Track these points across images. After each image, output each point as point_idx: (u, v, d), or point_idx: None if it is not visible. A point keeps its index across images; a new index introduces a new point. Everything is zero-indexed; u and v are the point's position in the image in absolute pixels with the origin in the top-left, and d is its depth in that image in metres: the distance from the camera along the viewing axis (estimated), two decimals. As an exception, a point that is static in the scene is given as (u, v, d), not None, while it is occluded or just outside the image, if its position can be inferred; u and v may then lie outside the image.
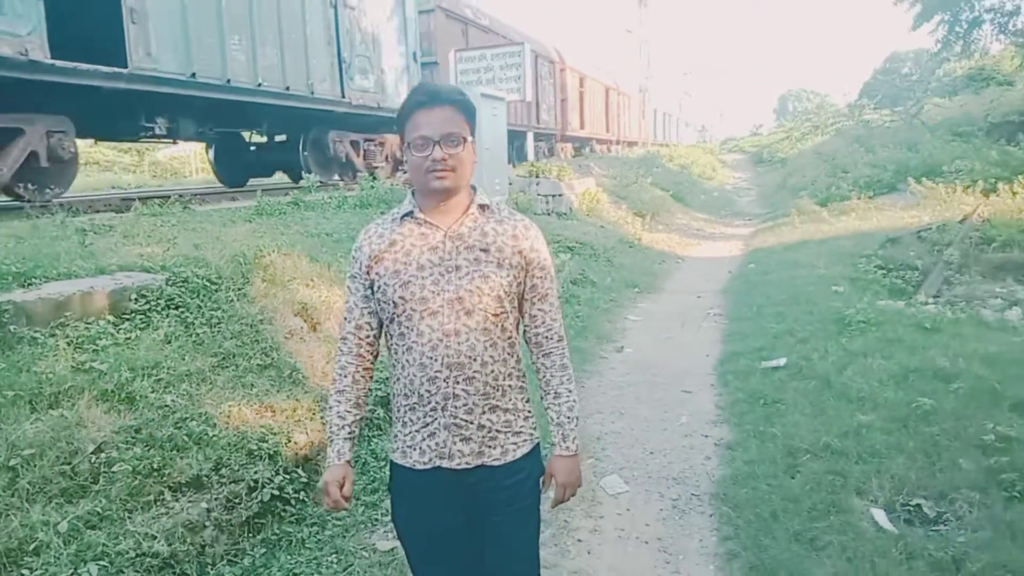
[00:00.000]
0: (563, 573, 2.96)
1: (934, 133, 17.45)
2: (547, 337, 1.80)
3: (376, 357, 1.84)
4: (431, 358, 1.67)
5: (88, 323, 3.40)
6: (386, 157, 11.89)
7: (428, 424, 1.72)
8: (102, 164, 22.53)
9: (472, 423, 1.71)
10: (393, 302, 1.69)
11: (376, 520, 3.22)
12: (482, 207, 1.74)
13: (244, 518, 2.81)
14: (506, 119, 10.86)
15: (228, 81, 8.25)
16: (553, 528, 3.29)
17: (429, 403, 1.70)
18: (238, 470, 2.93)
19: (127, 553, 2.35)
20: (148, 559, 2.38)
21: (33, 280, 3.54)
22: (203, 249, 4.77)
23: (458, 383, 1.68)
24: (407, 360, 1.70)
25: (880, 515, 3.20)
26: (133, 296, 3.72)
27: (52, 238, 4.55)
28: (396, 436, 1.80)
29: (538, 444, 1.83)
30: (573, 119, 22.60)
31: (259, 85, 8.73)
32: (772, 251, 11.11)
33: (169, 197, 7.31)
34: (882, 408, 4.14)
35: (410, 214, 1.72)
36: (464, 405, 1.69)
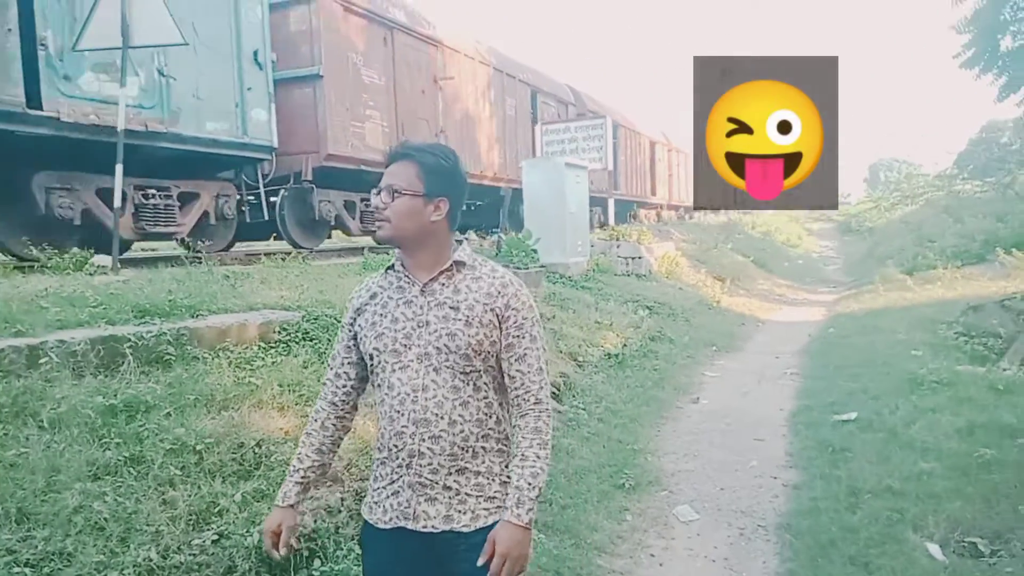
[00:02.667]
0: (637, 578, 3.37)
1: (1029, 204, 17.04)
2: (524, 399, 1.72)
3: (353, 409, 1.86)
4: (399, 412, 1.67)
5: (244, 348, 4.12)
6: (205, 214, 7.71)
7: (394, 481, 1.71)
8: None
9: (437, 483, 1.67)
10: (369, 354, 1.73)
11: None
12: (458, 263, 1.73)
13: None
14: (587, 186, 11.53)
15: None
16: (628, 544, 3.71)
17: (396, 459, 1.69)
18: (364, 470, 3.51)
19: (284, 523, 2.94)
20: (300, 529, 2.95)
21: (200, 312, 4.30)
22: (327, 294, 5.52)
23: (424, 440, 1.66)
24: (381, 412, 1.73)
25: (935, 548, 3.46)
26: (277, 328, 4.44)
27: (204, 281, 5.38)
28: (368, 490, 1.81)
29: None
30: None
31: None
32: (853, 316, 11.19)
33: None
34: (945, 458, 4.36)
35: (392, 267, 1.77)
36: (429, 464, 1.67)
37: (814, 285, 18.99)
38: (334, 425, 1.84)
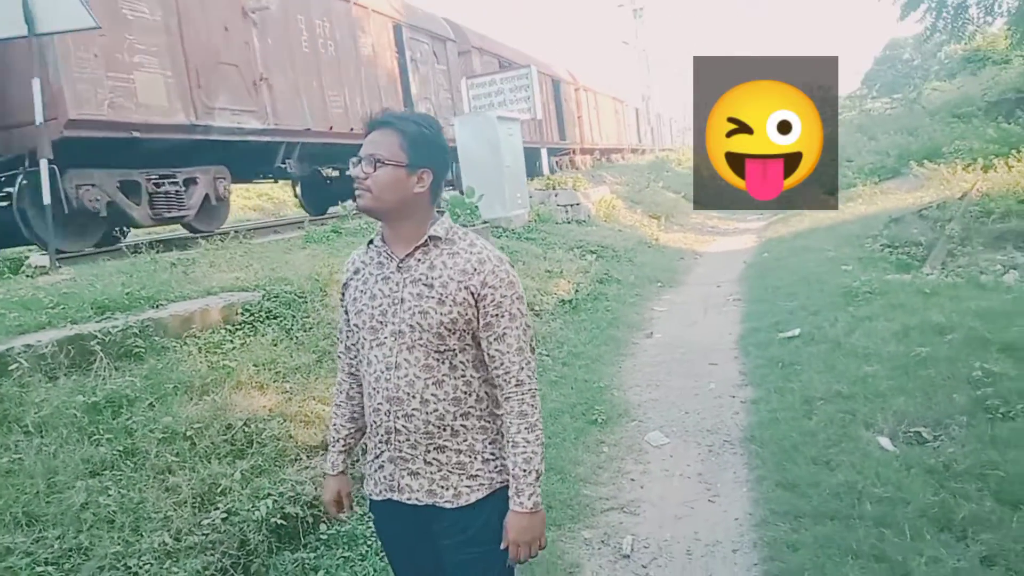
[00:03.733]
0: (621, 502, 3.60)
1: (934, 116, 17.97)
2: (505, 380, 1.68)
3: None
4: (375, 389, 1.68)
5: (210, 333, 4.11)
6: None
7: (379, 456, 1.74)
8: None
9: (418, 458, 1.68)
10: (351, 330, 1.76)
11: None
12: (434, 238, 1.69)
13: (364, 474, 3.49)
14: (520, 138, 11.57)
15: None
16: (609, 472, 3.94)
17: (377, 434, 1.71)
18: (352, 437, 3.61)
19: (286, 494, 3.03)
20: (302, 498, 3.06)
21: (160, 302, 4.25)
22: (280, 271, 5.49)
23: (398, 418, 1.66)
24: (364, 387, 1.75)
25: (885, 441, 3.80)
26: (239, 310, 4.43)
27: (152, 271, 5.27)
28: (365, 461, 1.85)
29: (504, 488, 1.72)
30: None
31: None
32: (784, 240, 11.71)
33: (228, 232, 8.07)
34: (885, 360, 4.73)
35: (373, 241, 1.76)
36: (407, 440, 1.67)
37: (743, 214, 19.62)
38: (359, 393, 1.84)
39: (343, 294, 1.79)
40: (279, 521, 2.92)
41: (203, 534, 2.70)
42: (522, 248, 8.81)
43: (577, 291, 7.67)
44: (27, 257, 5.77)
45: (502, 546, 1.67)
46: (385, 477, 1.72)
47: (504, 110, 12.34)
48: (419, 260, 1.67)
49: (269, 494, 2.99)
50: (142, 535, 2.58)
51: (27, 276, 5.10)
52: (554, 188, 12.46)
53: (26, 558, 2.31)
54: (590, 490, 3.72)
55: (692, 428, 4.50)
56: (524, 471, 1.65)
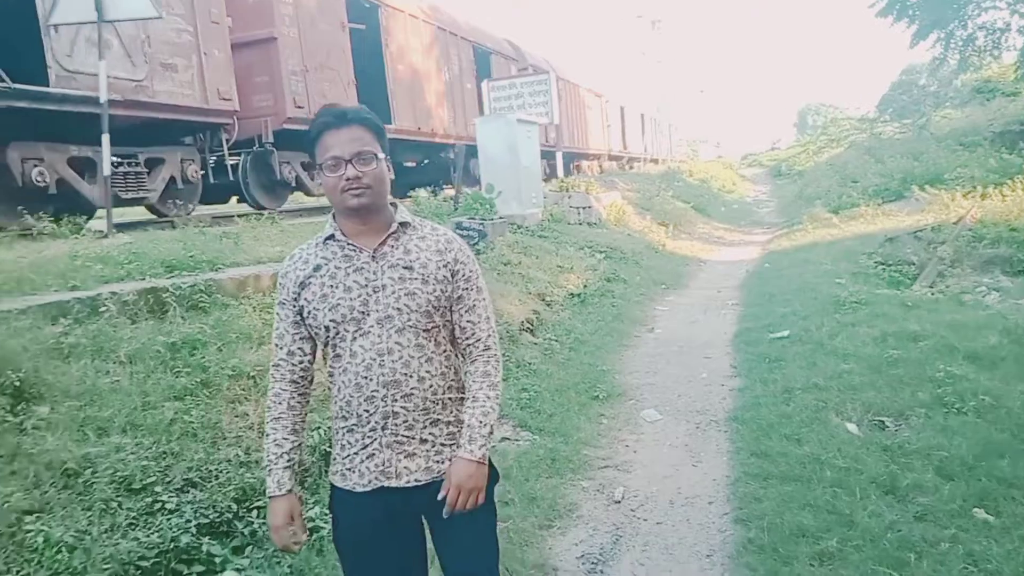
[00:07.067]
0: (616, 462, 4.12)
1: (941, 143, 18.45)
2: (474, 346, 1.80)
3: (311, 382, 1.83)
4: (366, 378, 1.68)
5: (261, 295, 4.66)
6: None
7: (368, 445, 1.72)
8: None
9: (414, 439, 1.72)
10: (325, 326, 1.70)
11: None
12: (403, 224, 1.76)
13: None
14: (538, 141, 12.12)
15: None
16: (607, 439, 4.47)
17: (368, 423, 1.70)
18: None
19: (333, 430, 3.57)
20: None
21: (219, 266, 4.80)
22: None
23: (396, 400, 1.68)
24: (343, 381, 1.71)
25: (852, 427, 4.30)
26: (285, 278, 4.98)
27: (206, 240, 5.82)
28: (335, 459, 1.80)
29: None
30: (403, 114, 11.96)
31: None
32: (786, 253, 12.20)
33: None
34: (862, 360, 5.23)
35: (332, 237, 1.74)
36: (404, 422, 1.70)
37: (749, 227, 20.13)
38: (300, 403, 1.82)
39: (298, 293, 1.74)
40: (327, 448, 3.44)
41: (267, 454, 3.23)
42: (535, 244, 9.34)
43: (586, 286, 8.19)
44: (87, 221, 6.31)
45: (439, 495, 1.72)
46: (377, 466, 1.72)
47: (523, 113, 12.88)
48: (392, 247, 1.74)
49: (318, 427, 3.53)
50: (219, 448, 3.12)
51: (98, 238, 5.65)
52: (568, 191, 12.98)
53: (132, 455, 2.85)
54: (589, 451, 4.25)
55: (683, 408, 5.02)
56: (481, 423, 1.75)
